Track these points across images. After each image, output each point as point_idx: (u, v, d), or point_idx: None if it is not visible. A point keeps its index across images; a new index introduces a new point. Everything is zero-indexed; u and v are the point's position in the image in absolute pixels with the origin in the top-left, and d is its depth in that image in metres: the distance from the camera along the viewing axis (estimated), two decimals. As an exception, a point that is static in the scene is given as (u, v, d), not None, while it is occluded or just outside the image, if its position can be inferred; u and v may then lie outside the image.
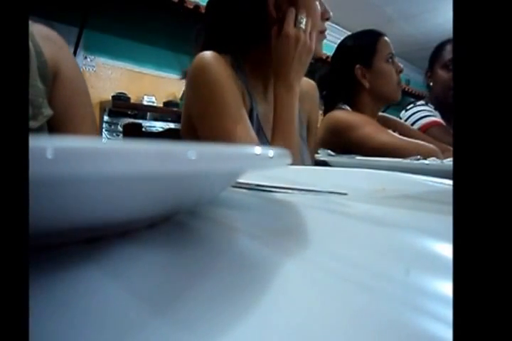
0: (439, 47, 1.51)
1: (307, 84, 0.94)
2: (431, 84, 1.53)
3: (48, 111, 0.53)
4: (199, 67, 0.72)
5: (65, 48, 0.61)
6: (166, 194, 0.15)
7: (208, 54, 0.72)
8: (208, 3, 0.84)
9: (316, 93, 0.97)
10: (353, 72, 1.18)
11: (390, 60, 1.17)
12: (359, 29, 1.24)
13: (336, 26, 4.75)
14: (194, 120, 0.75)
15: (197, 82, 0.72)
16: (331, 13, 0.81)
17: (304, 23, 0.73)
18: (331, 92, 1.23)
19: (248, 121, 0.71)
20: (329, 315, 0.11)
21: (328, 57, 3.98)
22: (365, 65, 1.17)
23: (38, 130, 0.53)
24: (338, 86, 1.23)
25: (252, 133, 0.70)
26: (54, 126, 0.58)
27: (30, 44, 0.53)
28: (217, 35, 0.80)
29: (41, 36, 0.56)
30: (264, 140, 0.76)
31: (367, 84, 1.17)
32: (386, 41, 1.18)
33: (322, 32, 0.80)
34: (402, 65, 1.17)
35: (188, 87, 0.75)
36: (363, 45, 1.19)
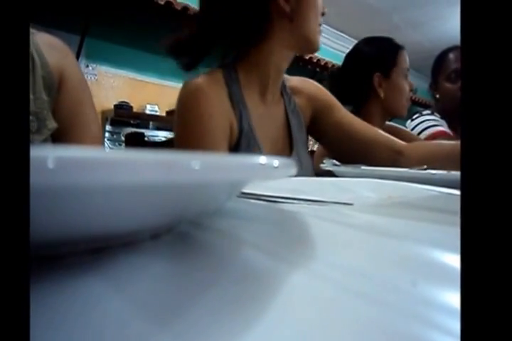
0: (440, 58, 1.49)
1: (315, 87, 0.92)
2: (437, 96, 1.51)
3: (52, 124, 0.53)
4: (185, 97, 0.71)
5: (70, 56, 0.61)
6: (170, 204, 0.15)
7: (194, 83, 0.71)
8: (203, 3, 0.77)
9: (322, 91, 0.92)
10: (370, 79, 1.15)
11: (406, 76, 1.16)
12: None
13: (342, 34, 4.76)
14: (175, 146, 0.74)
15: (181, 113, 0.72)
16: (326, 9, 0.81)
17: None
18: (340, 96, 1.20)
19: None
20: (335, 328, 0.10)
21: (334, 65, 4.01)
22: (384, 75, 1.14)
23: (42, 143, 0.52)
24: (350, 91, 1.18)
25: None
26: (58, 135, 0.57)
27: (35, 55, 0.53)
28: (210, 38, 0.76)
29: (46, 45, 0.56)
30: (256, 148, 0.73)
31: (382, 94, 1.14)
32: (405, 56, 1.17)
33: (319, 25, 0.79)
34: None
35: (176, 114, 0.74)
36: (385, 54, 1.17)
